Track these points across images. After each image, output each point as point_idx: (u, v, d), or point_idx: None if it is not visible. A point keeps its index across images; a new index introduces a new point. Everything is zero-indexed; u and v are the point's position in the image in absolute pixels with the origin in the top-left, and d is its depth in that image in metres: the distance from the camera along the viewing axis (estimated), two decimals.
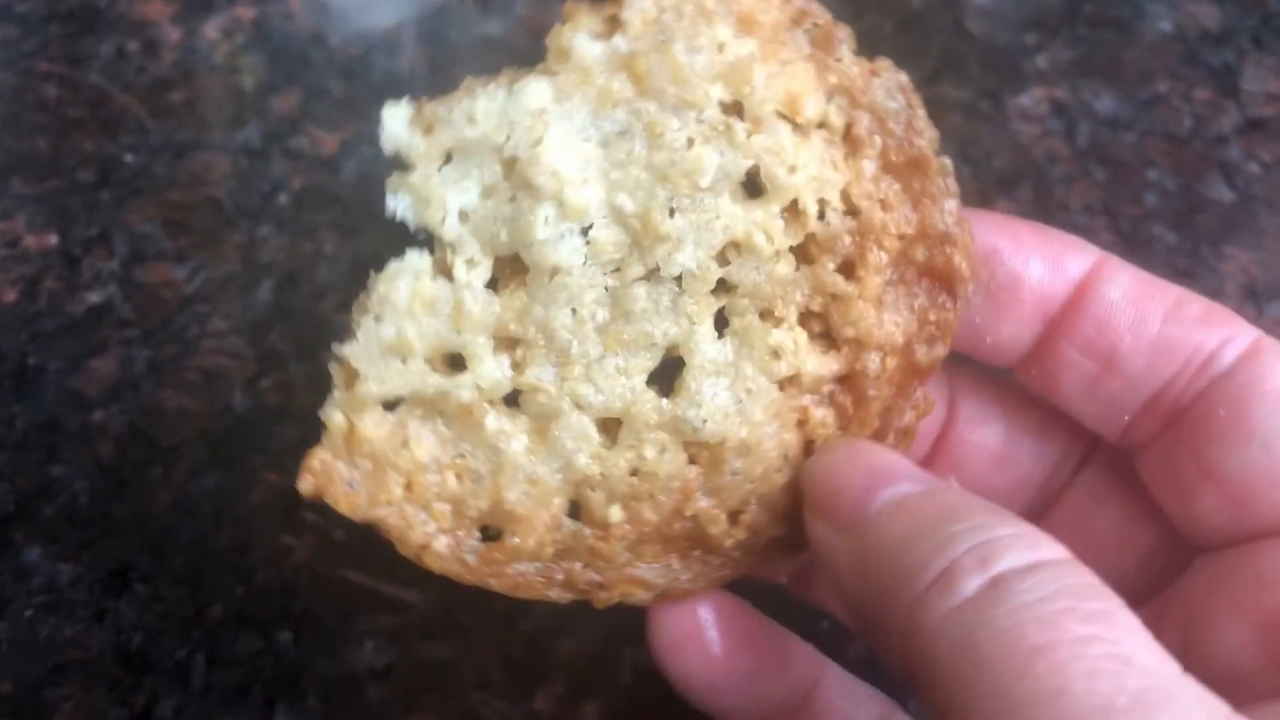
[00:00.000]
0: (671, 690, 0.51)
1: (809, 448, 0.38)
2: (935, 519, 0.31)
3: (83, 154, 0.69)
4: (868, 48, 0.76)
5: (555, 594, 0.37)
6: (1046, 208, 0.69)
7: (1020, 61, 0.77)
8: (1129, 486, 0.39)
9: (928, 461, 0.42)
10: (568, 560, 0.37)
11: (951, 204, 0.36)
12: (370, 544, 0.55)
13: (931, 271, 0.36)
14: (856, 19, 0.76)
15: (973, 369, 0.41)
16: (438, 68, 0.75)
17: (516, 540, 0.36)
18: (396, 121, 0.35)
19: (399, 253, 0.63)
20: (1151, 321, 0.36)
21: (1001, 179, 0.71)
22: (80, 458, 0.57)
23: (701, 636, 0.39)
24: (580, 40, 0.33)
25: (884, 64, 0.36)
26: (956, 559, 0.29)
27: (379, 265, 0.64)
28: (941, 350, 0.37)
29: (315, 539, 0.55)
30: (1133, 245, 0.68)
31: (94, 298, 0.63)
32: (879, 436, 0.37)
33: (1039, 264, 0.37)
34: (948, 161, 0.36)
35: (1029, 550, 0.29)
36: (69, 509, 0.56)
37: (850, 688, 0.41)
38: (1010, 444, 0.41)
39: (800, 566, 0.44)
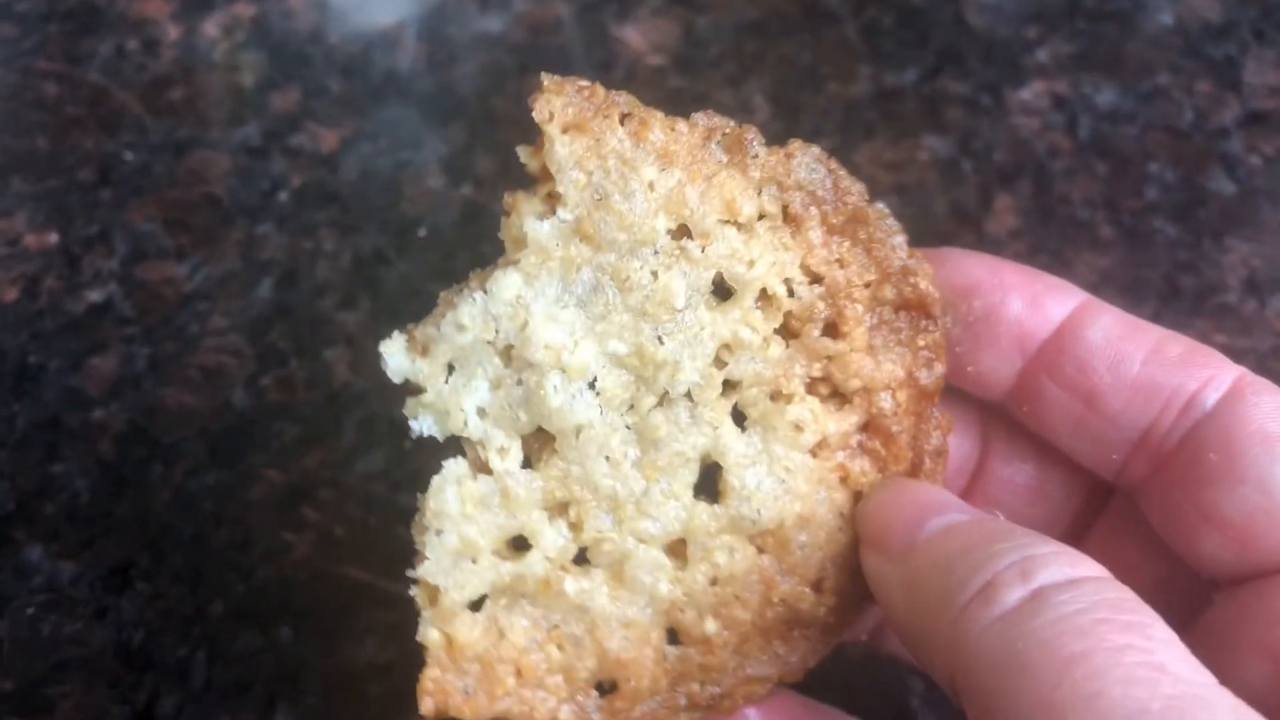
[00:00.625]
0: None
1: (858, 499, 0.39)
2: (979, 540, 0.32)
3: (82, 152, 0.70)
4: (868, 43, 0.76)
5: (683, 718, 0.39)
6: (1047, 202, 0.69)
7: (1021, 55, 0.77)
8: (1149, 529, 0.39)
9: (965, 497, 0.42)
10: (684, 684, 0.38)
11: (899, 240, 0.38)
12: (369, 541, 0.55)
13: (905, 304, 0.38)
14: (857, 14, 0.77)
15: (1005, 412, 0.42)
16: (437, 64, 0.75)
17: (632, 684, 0.38)
18: (396, 353, 0.37)
19: (399, 250, 0.63)
20: (1131, 363, 0.36)
21: (1002, 173, 0.71)
22: (81, 456, 0.57)
23: None
24: (529, 224, 0.36)
25: (795, 144, 0.38)
26: (999, 573, 0.30)
27: (378, 264, 0.64)
28: (940, 369, 0.38)
29: (315, 536, 0.55)
30: (1134, 239, 0.68)
31: (94, 296, 0.63)
32: (916, 464, 0.39)
33: (1017, 301, 0.38)
34: (882, 206, 0.38)
35: (1069, 566, 0.30)
36: (70, 507, 0.56)
37: None
38: (1042, 478, 0.42)
39: (877, 623, 0.44)
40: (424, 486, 0.52)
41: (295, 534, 0.55)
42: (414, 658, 0.51)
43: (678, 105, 0.72)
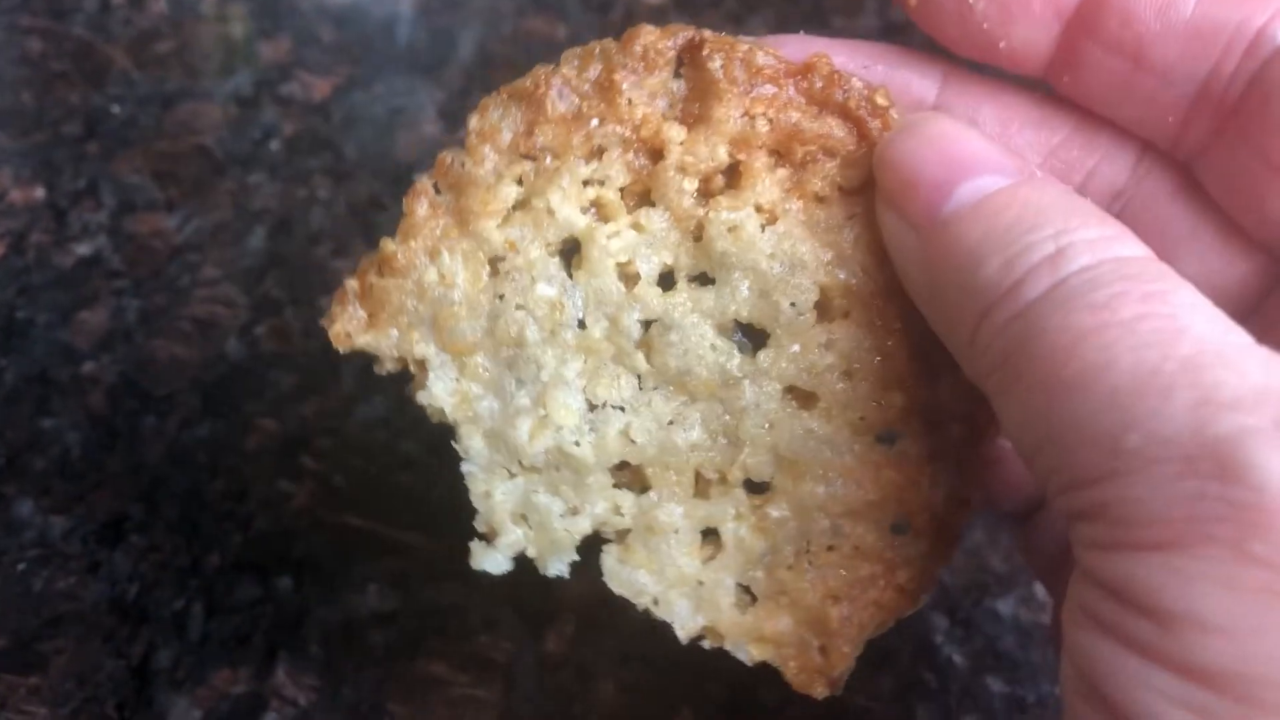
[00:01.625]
0: None
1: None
2: (1012, 225, 0.28)
3: (68, 106, 0.68)
4: None
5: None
6: None
7: None
8: (1200, 209, 0.35)
9: None
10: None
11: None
12: (370, 489, 0.53)
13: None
14: None
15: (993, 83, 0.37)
16: (430, 9, 0.73)
17: None
18: (490, 559, 0.38)
19: (394, 196, 0.62)
20: (1184, 3, 0.31)
21: None
22: (71, 409, 0.56)
23: None
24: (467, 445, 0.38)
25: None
26: (1030, 268, 0.27)
27: (373, 210, 0.63)
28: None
29: (314, 485, 0.53)
30: None
31: (83, 249, 0.61)
32: (861, 129, 0.35)
33: None
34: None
35: (1107, 249, 0.27)
36: (60, 461, 0.54)
37: None
38: (1079, 144, 0.36)
39: None
40: (424, 433, 0.50)
41: (293, 483, 0.53)
42: (417, 606, 0.50)
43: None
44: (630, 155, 0.36)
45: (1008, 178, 0.30)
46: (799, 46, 0.36)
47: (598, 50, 0.35)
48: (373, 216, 0.63)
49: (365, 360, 0.57)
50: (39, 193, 0.64)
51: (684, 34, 0.35)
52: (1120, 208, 0.36)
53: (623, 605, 0.50)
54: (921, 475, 0.36)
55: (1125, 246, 0.27)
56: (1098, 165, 0.36)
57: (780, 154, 0.35)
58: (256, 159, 0.65)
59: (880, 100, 0.34)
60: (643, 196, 0.36)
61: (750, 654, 0.37)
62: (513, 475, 0.38)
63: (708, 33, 0.35)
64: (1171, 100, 0.33)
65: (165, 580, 0.51)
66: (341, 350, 0.37)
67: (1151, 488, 0.24)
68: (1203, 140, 0.33)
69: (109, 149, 0.66)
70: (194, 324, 0.59)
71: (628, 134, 0.35)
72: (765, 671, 0.47)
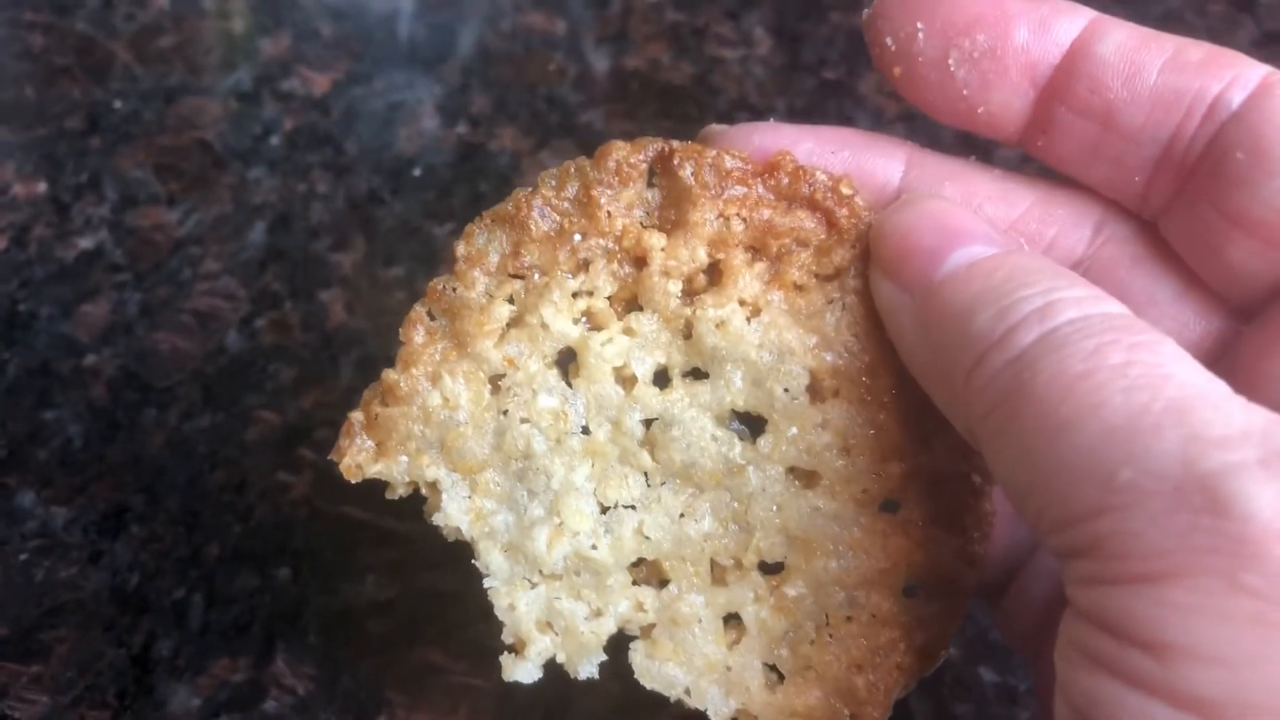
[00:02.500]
0: None
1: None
2: (1002, 284, 0.30)
3: (70, 101, 0.68)
4: None
5: None
6: None
7: None
8: (1162, 262, 0.37)
9: None
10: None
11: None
12: (369, 481, 0.54)
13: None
14: None
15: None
16: (429, 6, 0.73)
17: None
18: (516, 669, 0.39)
19: (394, 190, 0.62)
20: (1148, 73, 0.34)
21: None
22: (73, 401, 0.56)
23: None
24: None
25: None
26: (1020, 320, 0.29)
27: (372, 205, 0.63)
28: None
29: (313, 476, 0.54)
30: None
31: (85, 243, 0.62)
32: (828, 216, 0.36)
33: (1023, 29, 0.35)
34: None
35: (1090, 306, 0.29)
36: (62, 452, 0.55)
37: None
38: (1047, 210, 0.38)
39: None
40: None
41: (293, 474, 0.54)
42: (414, 594, 0.50)
43: (676, 39, 0.71)
44: (615, 265, 0.37)
45: (996, 247, 0.32)
46: (768, 136, 0.37)
47: (573, 169, 0.37)
48: (372, 210, 0.63)
49: (363, 352, 0.58)
50: (41, 187, 0.64)
51: (654, 146, 0.37)
52: (1080, 274, 0.37)
53: None
54: (927, 538, 0.37)
55: (1109, 305, 0.29)
56: (1056, 237, 0.37)
57: (757, 249, 0.37)
58: (257, 154, 0.66)
59: (844, 189, 0.36)
60: (630, 302, 0.38)
61: None
62: (534, 585, 0.39)
63: (675, 143, 0.37)
64: (1138, 161, 0.35)
65: (166, 570, 0.51)
66: (353, 481, 0.39)
67: (1144, 521, 0.25)
68: (1166, 197, 0.35)
69: (111, 143, 0.66)
70: (195, 317, 0.59)
71: (610, 245, 0.37)
72: None
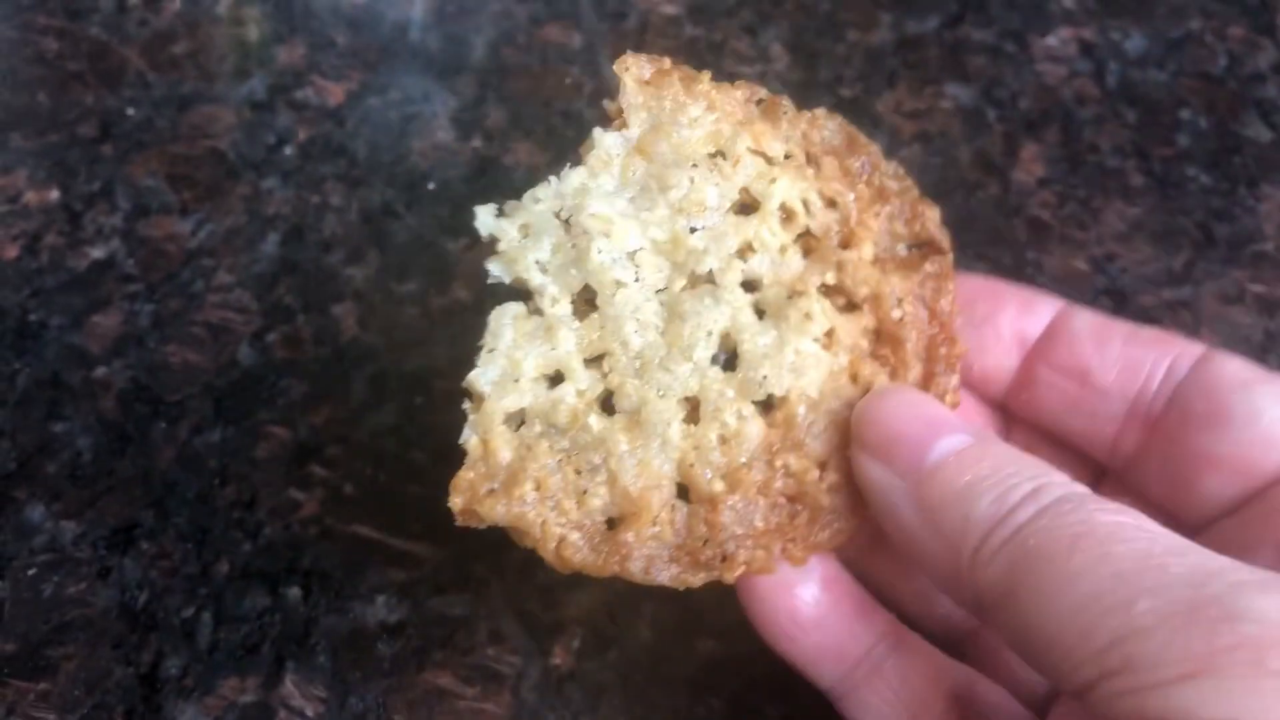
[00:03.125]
0: (690, 644, 0.49)
1: None
2: (992, 472, 0.35)
3: (83, 108, 0.68)
4: None
5: (688, 576, 0.41)
6: (1075, 149, 0.67)
7: (1045, 1, 0.74)
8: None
9: None
10: (691, 541, 0.41)
11: (911, 189, 0.44)
12: (380, 498, 0.54)
13: (914, 239, 0.44)
14: None
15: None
16: (445, 16, 0.73)
17: (639, 519, 0.40)
18: (487, 215, 0.42)
19: (408, 203, 0.62)
20: (1114, 344, 0.42)
21: (1028, 121, 0.68)
22: (83, 414, 0.56)
23: (795, 585, 0.42)
24: (598, 133, 0.43)
25: (820, 112, 0.45)
26: (1016, 503, 0.34)
27: (386, 218, 0.63)
28: (949, 293, 0.43)
29: (324, 493, 0.54)
30: (1166, 186, 0.65)
31: (96, 253, 0.62)
32: (927, 377, 0.42)
33: (1013, 306, 0.44)
34: (895, 163, 0.45)
35: (1073, 486, 0.34)
36: (72, 466, 0.54)
37: (931, 653, 0.43)
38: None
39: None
40: (434, 443, 0.52)
41: (303, 491, 0.54)
42: (424, 617, 0.50)
43: (694, 54, 0.71)
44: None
45: (970, 436, 0.37)
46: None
47: None
48: (386, 224, 0.63)
49: (376, 368, 0.57)
50: (53, 194, 0.64)
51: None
52: None
53: (629, 620, 0.50)
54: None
55: (1082, 487, 0.35)
56: None
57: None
58: (271, 164, 0.65)
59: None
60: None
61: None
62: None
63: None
64: (1109, 414, 0.43)
65: (175, 588, 0.51)
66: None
67: (1170, 635, 0.29)
68: (1135, 445, 0.43)
69: (124, 151, 0.66)
70: (206, 329, 0.59)
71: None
72: (771, 686, 0.47)
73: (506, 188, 0.64)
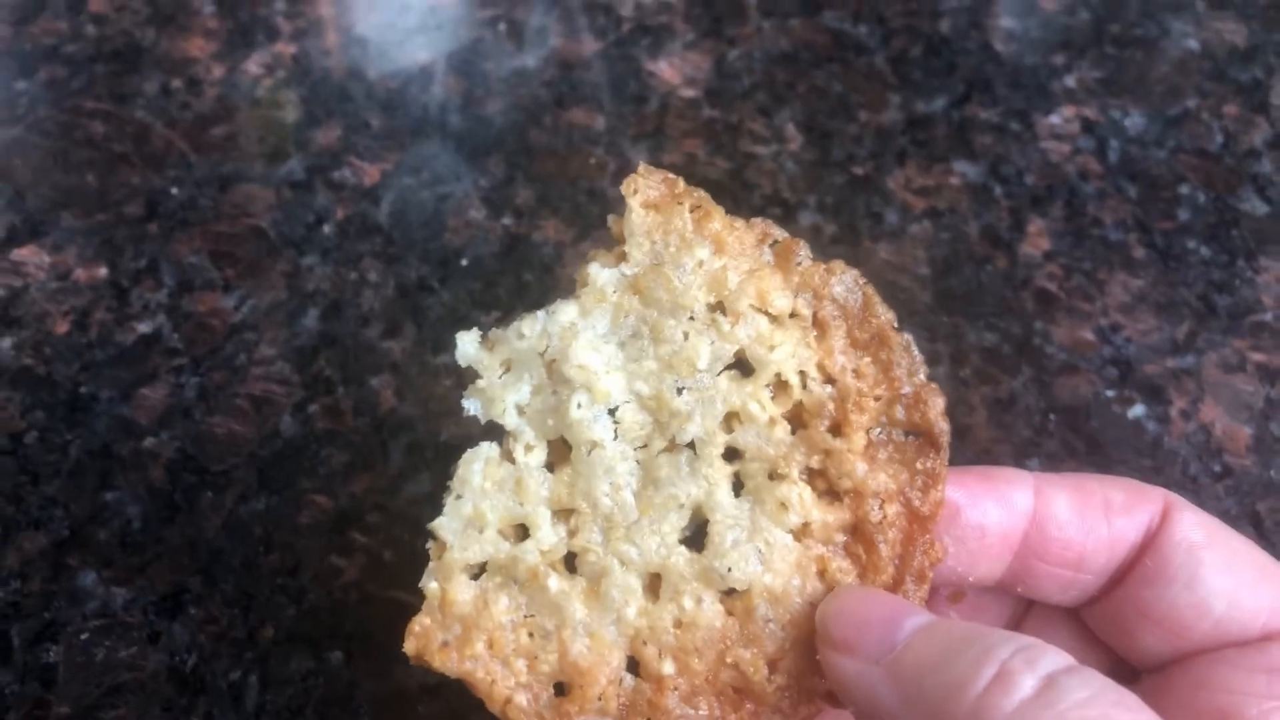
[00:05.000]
0: None
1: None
2: (962, 638, 0.36)
3: (129, 188, 0.71)
4: (896, 72, 0.77)
5: None
6: (1079, 224, 0.70)
7: (1049, 81, 0.78)
8: (1070, 623, 0.46)
9: None
10: (633, 716, 0.41)
11: (919, 371, 0.42)
12: (418, 564, 0.56)
13: (913, 428, 0.42)
14: (885, 44, 0.78)
15: None
16: (473, 100, 0.76)
17: (584, 692, 0.40)
18: (468, 344, 0.41)
19: (442, 279, 0.65)
20: (1100, 525, 0.42)
21: (1034, 197, 0.71)
22: (133, 483, 0.58)
23: None
24: (594, 269, 0.41)
25: (837, 264, 0.42)
26: (1006, 661, 0.34)
27: (421, 293, 0.66)
28: (937, 496, 0.41)
29: (364, 560, 0.56)
30: (1167, 259, 0.68)
31: (143, 328, 0.64)
32: (896, 582, 0.41)
33: (994, 509, 0.43)
34: (908, 336, 0.42)
35: (1057, 656, 0.34)
36: (122, 534, 0.57)
37: None
38: (979, 598, 0.47)
39: None
40: None
41: (344, 558, 0.56)
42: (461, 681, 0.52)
43: (711, 135, 0.74)
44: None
45: (937, 619, 0.38)
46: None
47: None
48: (421, 299, 0.66)
49: (413, 438, 0.60)
50: (102, 271, 0.67)
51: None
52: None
53: None
54: None
55: (1063, 653, 0.35)
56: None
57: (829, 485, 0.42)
58: (310, 241, 0.68)
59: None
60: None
61: None
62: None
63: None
64: (1096, 584, 0.43)
65: (222, 652, 0.53)
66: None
67: None
68: (1096, 599, 0.44)
69: (168, 229, 0.69)
70: (250, 401, 0.61)
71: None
72: None
73: (535, 263, 0.68)
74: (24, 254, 0.68)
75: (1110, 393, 0.63)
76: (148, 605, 0.55)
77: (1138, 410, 0.62)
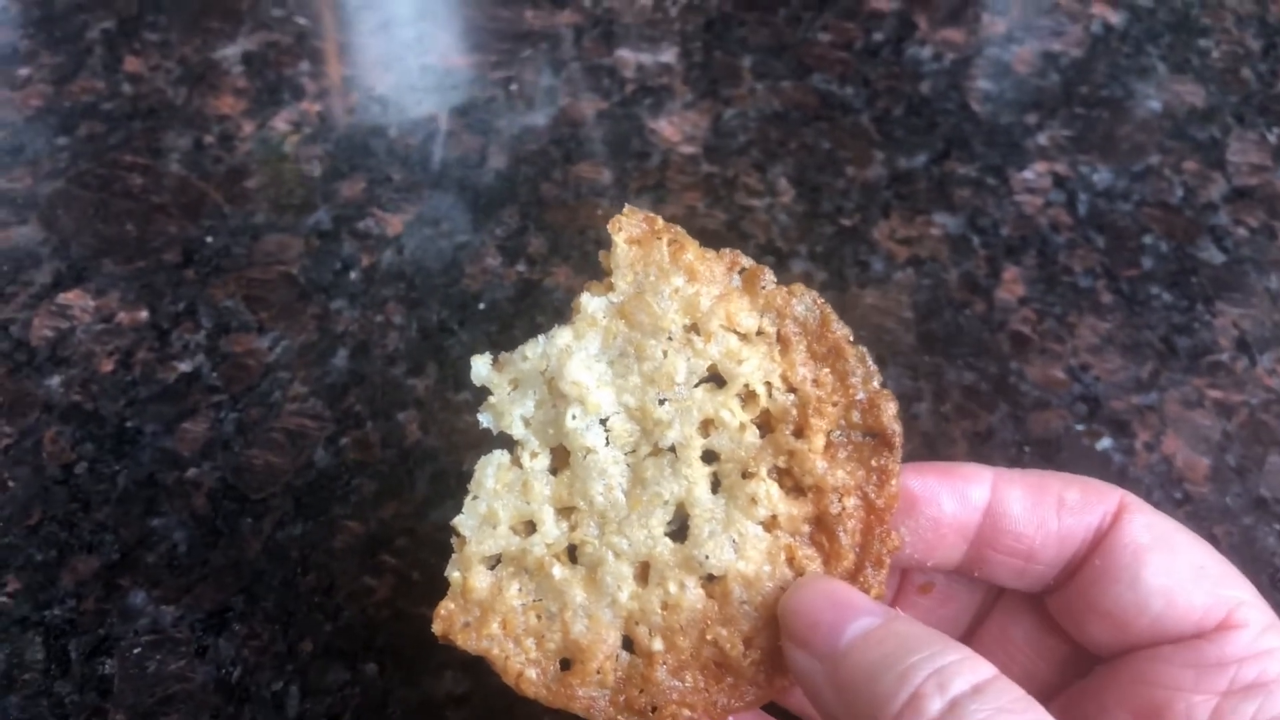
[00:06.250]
0: None
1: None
2: (896, 649, 0.39)
3: (167, 236, 0.76)
4: (880, 130, 0.83)
5: (622, 718, 0.46)
6: (1051, 271, 0.76)
7: (1022, 139, 0.84)
8: (1036, 610, 0.49)
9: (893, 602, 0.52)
10: (628, 689, 0.46)
11: (873, 379, 0.46)
12: (444, 583, 0.60)
13: (869, 430, 0.46)
14: (870, 104, 0.84)
15: None
16: (488, 154, 0.82)
17: (584, 666, 0.46)
18: (481, 366, 0.47)
19: (461, 321, 0.69)
20: (1050, 521, 0.46)
21: (1009, 246, 0.77)
22: (178, 510, 0.63)
23: None
24: (585, 299, 0.46)
25: (798, 286, 0.46)
26: (919, 684, 0.37)
27: (442, 335, 0.70)
28: (892, 490, 0.45)
29: (394, 580, 0.61)
30: (1132, 304, 0.74)
31: (184, 366, 0.69)
32: (856, 569, 0.46)
33: (950, 501, 0.46)
34: (863, 348, 0.46)
35: (971, 673, 0.37)
36: (169, 557, 0.61)
37: None
38: (950, 586, 0.51)
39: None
40: None
41: (375, 578, 0.61)
42: (489, 688, 0.57)
43: (709, 189, 0.79)
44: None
45: (878, 617, 0.41)
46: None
47: None
48: (442, 340, 0.71)
49: (437, 467, 0.65)
50: (143, 314, 0.72)
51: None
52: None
53: None
54: None
55: (985, 669, 0.38)
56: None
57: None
58: (338, 287, 0.73)
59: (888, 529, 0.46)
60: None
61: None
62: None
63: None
64: (1050, 574, 0.47)
65: (265, 664, 0.58)
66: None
67: None
68: (1055, 587, 0.47)
69: (205, 275, 0.74)
70: (285, 435, 0.66)
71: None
72: None
73: (548, 307, 0.73)
74: (69, 298, 0.73)
75: (1080, 427, 0.68)
76: (195, 622, 0.59)
77: (1105, 443, 0.67)
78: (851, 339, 0.47)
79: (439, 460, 0.65)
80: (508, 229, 0.77)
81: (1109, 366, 0.71)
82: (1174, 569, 0.44)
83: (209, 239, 0.76)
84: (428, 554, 0.62)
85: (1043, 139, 0.84)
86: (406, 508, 0.63)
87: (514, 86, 0.87)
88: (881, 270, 0.76)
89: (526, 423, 0.47)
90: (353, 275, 0.74)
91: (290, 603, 0.60)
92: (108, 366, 0.69)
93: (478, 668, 0.57)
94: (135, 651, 0.58)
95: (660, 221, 0.47)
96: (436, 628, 0.46)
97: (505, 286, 0.74)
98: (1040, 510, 0.46)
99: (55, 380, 0.69)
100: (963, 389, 0.70)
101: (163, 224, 0.77)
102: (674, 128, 0.84)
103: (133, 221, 0.77)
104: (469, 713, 0.56)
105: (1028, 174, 0.82)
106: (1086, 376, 0.70)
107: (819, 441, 0.45)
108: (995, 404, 0.69)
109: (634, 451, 0.46)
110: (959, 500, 0.46)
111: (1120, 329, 0.73)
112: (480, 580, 0.46)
